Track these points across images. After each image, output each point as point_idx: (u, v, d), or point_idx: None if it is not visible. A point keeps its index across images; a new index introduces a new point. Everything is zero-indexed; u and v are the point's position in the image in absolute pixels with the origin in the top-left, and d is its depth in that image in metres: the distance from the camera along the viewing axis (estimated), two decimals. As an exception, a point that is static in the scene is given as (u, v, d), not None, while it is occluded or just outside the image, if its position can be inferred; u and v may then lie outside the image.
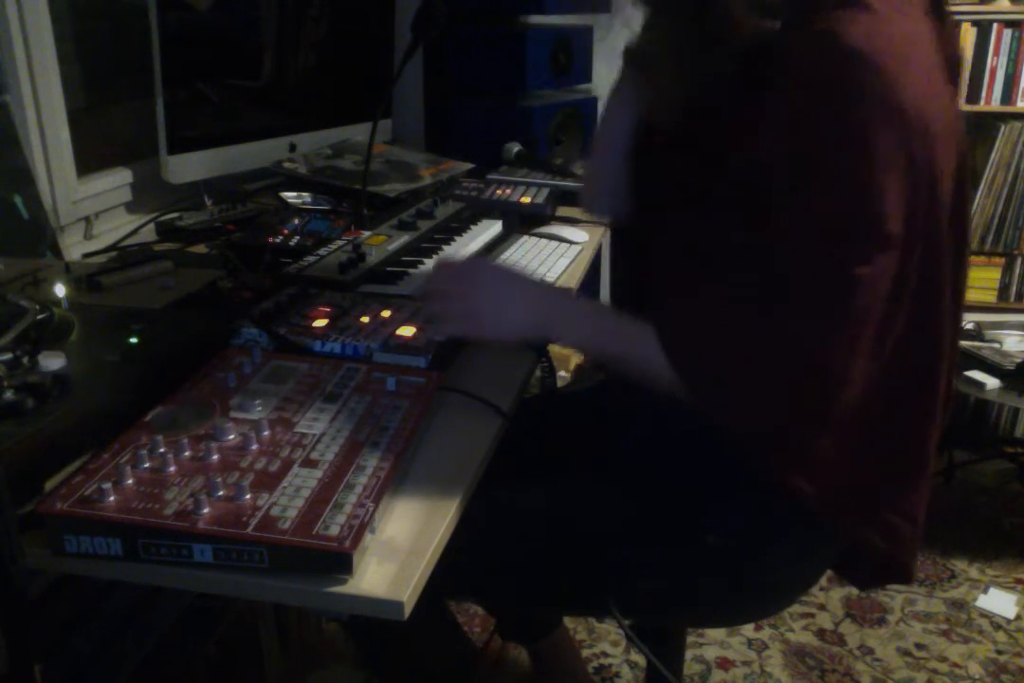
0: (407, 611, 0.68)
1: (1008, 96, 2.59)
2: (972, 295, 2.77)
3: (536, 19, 2.43)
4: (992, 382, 2.21)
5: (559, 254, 1.50)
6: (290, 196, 1.72)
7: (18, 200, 1.34)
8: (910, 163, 0.84)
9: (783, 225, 0.88)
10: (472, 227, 1.54)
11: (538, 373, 1.10)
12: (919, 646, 1.93)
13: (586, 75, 2.49)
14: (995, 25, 2.54)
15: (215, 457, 0.77)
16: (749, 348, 0.90)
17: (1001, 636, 1.96)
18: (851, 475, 0.95)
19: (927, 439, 0.99)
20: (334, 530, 0.69)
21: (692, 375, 0.91)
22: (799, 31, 0.86)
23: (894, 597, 2.09)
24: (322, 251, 1.32)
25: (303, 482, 0.75)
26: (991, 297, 2.78)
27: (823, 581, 2.11)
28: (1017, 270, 2.74)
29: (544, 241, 1.56)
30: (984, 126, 2.69)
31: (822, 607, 2.04)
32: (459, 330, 0.99)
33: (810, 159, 0.86)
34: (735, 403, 0.92)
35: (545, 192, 1.72)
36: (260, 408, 0.86)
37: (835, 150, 0.85)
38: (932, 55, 0.90)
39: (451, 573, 0.79)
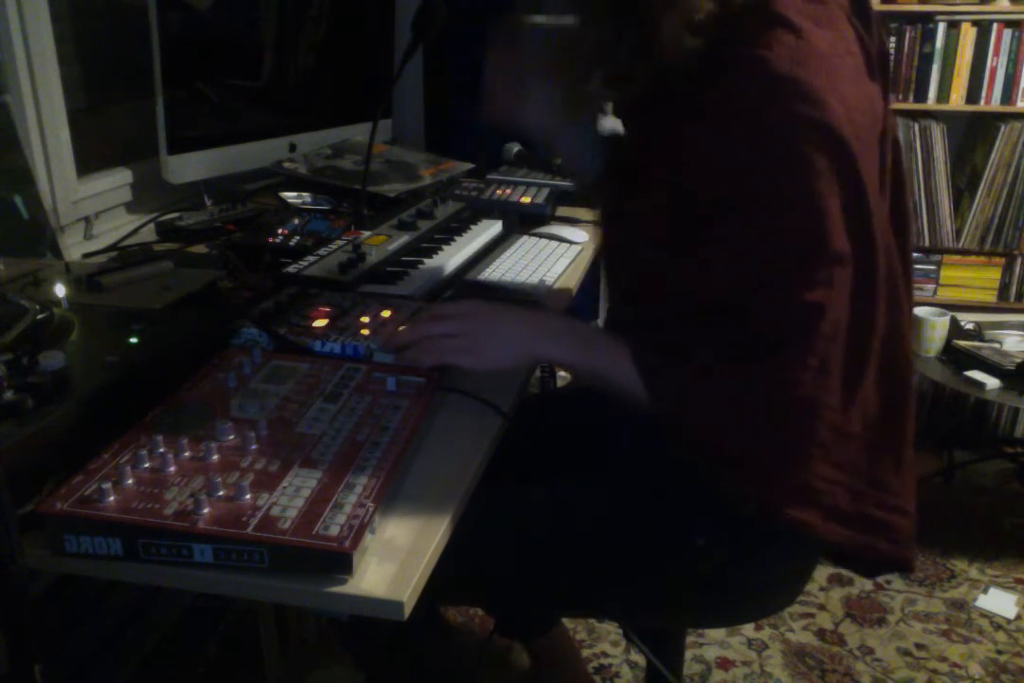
0: (407, 611, 0.68)
1: (1008, 96, 2.58)
2: (972, 295, 2.77)
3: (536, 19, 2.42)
4: (992, 382, 2.21)
5: (559, 254, 1.50)
6: (290, 196, 1.72)
7: (18, 200, 1.34)
8: (845, 180, 0.85)
9: (729, 257, 0.88)
10: (472, 227, 1.54)
11: (538, 373, 1.10)
12: (919, 646, 1.93)
13: (586, 75, 2.49)
14: (995, 25, 2.54)
15: (215, 457, 0.77)
16: (719, 385, 0.90)
17: (1001, 636, 1.96)
18: (849, 490, 0.94)
19: (908, 433, 0.99)
20: (334, 530, 0.69)
21: (667, 411, 0.92)
22: (726, 55, 0.86)
23: (894, 597, 2.09)
24: (322, 251, 1.32)
25: (303, 482, 0.75)
26: (991, 297, 2.77)
27: (823, 581, 2.11)
28: (1017, 270, 2.73)
29: (544, 241, 1.56)
30: (984, 126, 2.69)
31: (822, 607, 2.04)
32: (458, 362, 0.98)
33: (746, 188, 0.86)
34: (712, 438, 0.92)
35: (545, 192, 1.72)
36: (260, 408, 0.86)
37: (772, 176, 0.86)
38: (857, 59, 0.92)
39: (451, 573, 0.79)
